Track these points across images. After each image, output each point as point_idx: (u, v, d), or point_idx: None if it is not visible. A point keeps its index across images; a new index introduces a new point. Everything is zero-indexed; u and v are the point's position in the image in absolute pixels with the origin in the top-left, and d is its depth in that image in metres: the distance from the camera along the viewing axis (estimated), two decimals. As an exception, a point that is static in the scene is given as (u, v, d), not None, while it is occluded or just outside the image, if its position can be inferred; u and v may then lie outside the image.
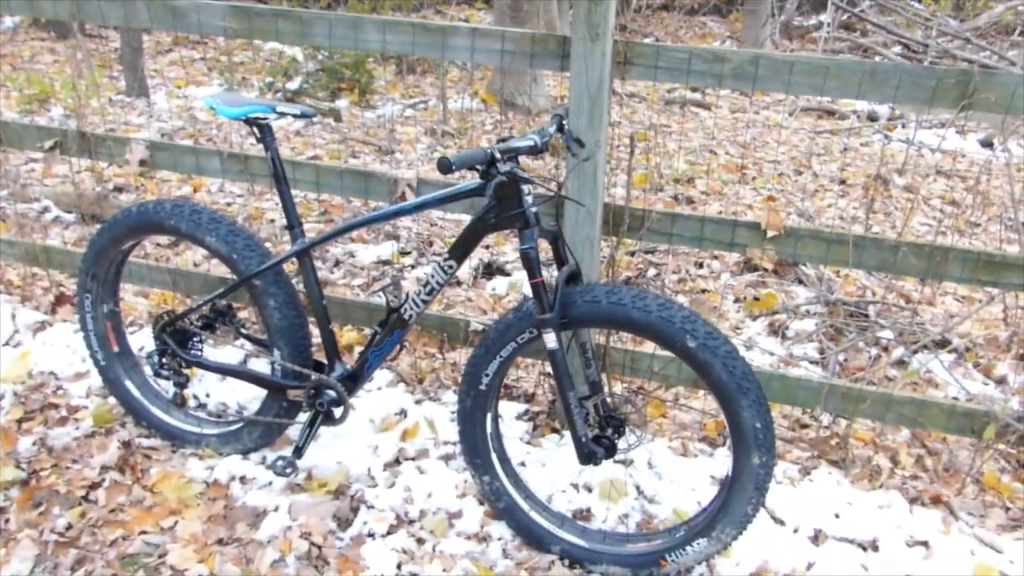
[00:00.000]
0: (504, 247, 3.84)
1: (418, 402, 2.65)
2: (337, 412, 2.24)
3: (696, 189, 4.89)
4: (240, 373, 2.36)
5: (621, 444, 2.06)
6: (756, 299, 3.44)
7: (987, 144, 6.25)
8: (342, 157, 4.75)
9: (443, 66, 5.84)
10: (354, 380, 2.24)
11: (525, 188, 1.88)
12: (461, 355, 2.95)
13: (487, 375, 2.06)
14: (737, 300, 3.54)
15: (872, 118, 6.76)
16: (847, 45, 8.02)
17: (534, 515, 2.17)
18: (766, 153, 5.67)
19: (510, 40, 2.21)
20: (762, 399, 1.88)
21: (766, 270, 3.75)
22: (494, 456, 2.17)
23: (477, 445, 2.15)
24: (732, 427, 1.89)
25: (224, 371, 2.39)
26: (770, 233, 2.23)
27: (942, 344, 3.26)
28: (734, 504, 1.94)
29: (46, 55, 6.66)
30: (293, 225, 2.17)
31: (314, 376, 2.22)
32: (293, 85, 5.99)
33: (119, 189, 4.23)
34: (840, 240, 2.19)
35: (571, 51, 2.13)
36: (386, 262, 3.62)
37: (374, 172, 2.49)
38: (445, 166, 1.66)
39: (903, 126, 6.44)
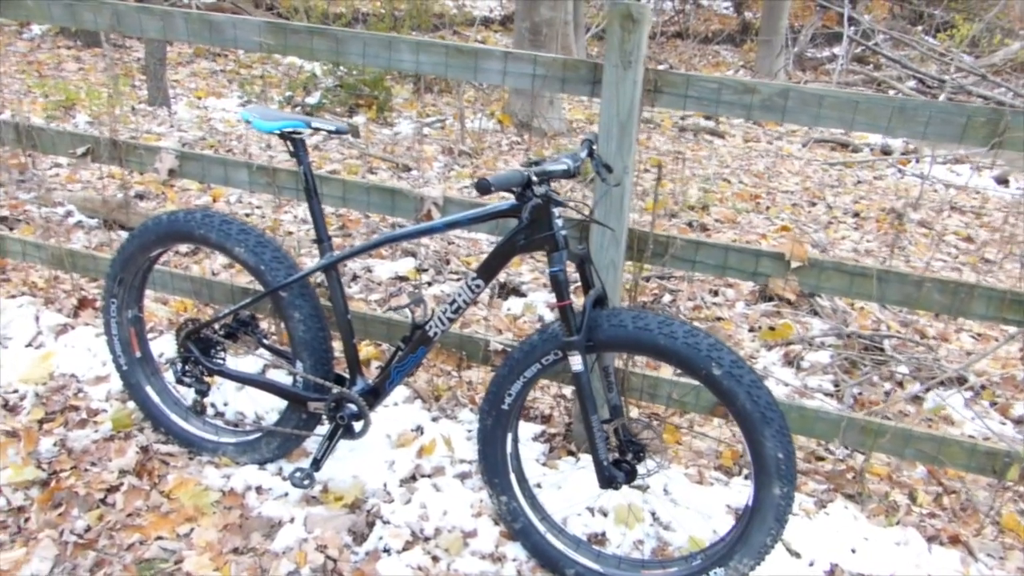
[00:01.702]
0: (520, 268, 3.86)
1: (435, 419, 2.66)
2: (357, 426, 2.25)
3: (710, 217, 4.92)
4: (262, 383, 2.37)
5: (640, 469, 2.07)
6: (771, 329, 3.45)
7: (1002, 181, 6.27)
8: (360, 172, 4.79)
9: (461, 86, 5.90)
10: (375, 395, 2.26)
11: (555, 211, 1.90)
12: (477, 374, 2.97)
13: (510, 395, 2.07)
14: (752, 329, 3.55)
15: (886, 152, 6.80)
16: (860, 78, 8.09)
17: (550, 537, 2.17)
18: (780, 183, 5.70)
19: (542, 65, 2.25)
20: (785, 429, 1.88)
21: (782, 300, 3.77)
22: (512, 476, 2.17)
23: (496, 465, 2.15)
24: (754, 456, 1.90)
25: (246, 381, 2.40)
26: (794, 264, 2.24)
27: (959, 381, 3.26)
28: (753, 534, 1.94)
29: (71, 63, 6.75)
30: (322, 239, 2.19)
31: (336, 389, 2.23)
32: (312, 100, 6.05)
33: (140, 196, 4.27)
34: (864, 273, 2.20)
35: (603, 78, 2.16)
36: (403, 278, 3.64)
37: (400, 189, 2.52)
38: (484, 187, 1.68)
39: (917, 161, 6.47)
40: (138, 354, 2.54)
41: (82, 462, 2.41)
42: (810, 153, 6.59)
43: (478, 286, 2.05)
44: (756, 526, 1.94)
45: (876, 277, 2.19)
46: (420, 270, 3.70)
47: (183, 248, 3.75)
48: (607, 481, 1.99)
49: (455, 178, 4.90)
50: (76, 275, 3.18)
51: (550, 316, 3.53)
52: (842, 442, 2.35)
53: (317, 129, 2.13)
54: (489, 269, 2.03)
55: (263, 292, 2.22)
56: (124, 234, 3.87)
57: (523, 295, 3.70)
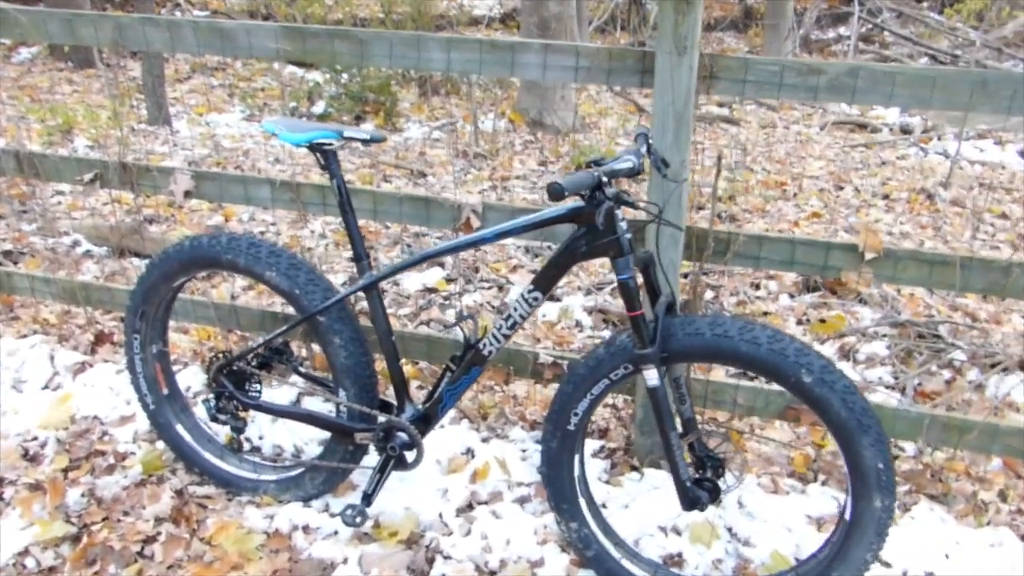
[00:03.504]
0: (551, 272, 3.69)
1: (485, 440, 2.50)
2: (410, 456, 2.09)
3: (737, 206, 4.76)
4: (304, 416, 2.21)
5: (721, 485, 1.91)
6: (822, 321, 3.29)
7: (1027, 154, 6.11)
8: (374, 181, 4.63)
9: (471, 87, 5.73)
10: (426, 421, 2.09)
11: (619, 212, 1.74)
12: (522, 388, 2.81)
13: (576, 414, 1.91)
14: (800, 322, 3.39)
15: (905, 131, 6.64)
16: (871, 57, 7.92)
17: (626, 563, 2.01)
18: (803, 168, 5.54)
19: (585, 56, 2.09)
20: (883, 437, 1.73)
21: (827, 290, 3.60)
22: (582, 501, 2.01)
23: (564, 489, 1.99)
24: (851, 468, 1.74)
25: (287, 414, 2.24)
26: (868, 255, 2.08)
27: (1021, 366, 3.10)
28: (853, 550, 1.79)
29: (64, 85, 6.58)
30: (360, 256, 2.03)
31: (384, 418, 2.07)
32: (317, 109, 5.89)
33: (149, 220, 4.11)
34: (944, 262, 2.04)
35: (655, 66, 2.00)
36: (432, 290, 3.48)
37: (435, 198, 2.36)
38: (557, 192, 1.52)
39: (939, 138, 6.30)
40: (165, 391, 2.38)
41: (114, 512, 2.24)
42: (829, 136, 6.43)
43: (536, 299, 1.89)
44: (855, 541, 1.78)
45: (959, 265, 2.03)
46: (449, 280, 3.54)
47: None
48: (691, 503, 1.84)
49: (472, 181, 4.73)
50: (89, 309, 3.02)
51: (587, 321, 3.37)
52: (926, 442, 2.19)
53: (350, 139, 1.96)
54: (547, 280, 1.87)
55: (300, 318, 2.06)
56: (137, 262, 3.71)
57: (558, 299, 3.54)
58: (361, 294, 2.05)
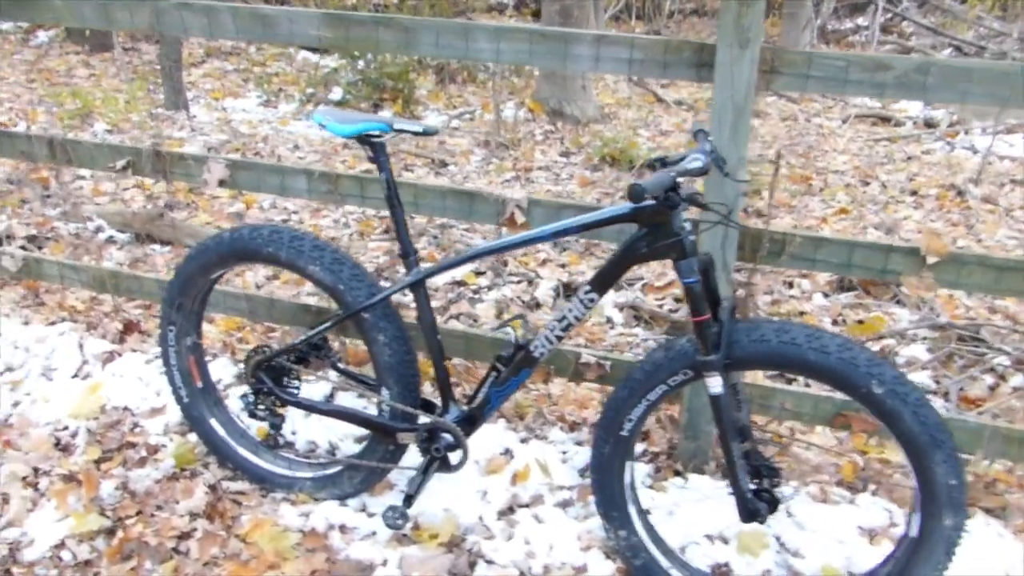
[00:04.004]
0: (580, 266, 3.64)
1: (523, 441, 2.45)
2: (454, 458, 2.04)
3: (762, 200, 4.68)
4: (345, 414, 2.16)
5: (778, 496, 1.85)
6: (860, 322, 3.23)
7: (1054, 151, 6.01)
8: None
9: (495, 75, 5.64)
10: (471, 422, 2.04)
11: (682, 213, 1.68)
12: (556, 386, 2.75)
13: (630, 420, 1.85)
14: (835, 322, 3.32)
15: (929, 124, 6.54)
16: (892, 48, 7.81)
17: (675, 573, 1.95)
18: (828, 163, 5.45)
19: (640, 48, 2.01)
20: (955, 452, 1.67)
21: (862, 289, 3.54)
22: (632, 508, 1.96)
23: (614, 497, 1.94)
24: (922, 484, 1.69)
25: (328, 412, 2.18)
26: (930, 259, 2.02)
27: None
28: (919, 569, 1.74)
29: (81, 69, 6.50)
30: (408, 252, 1.97)
31: (429, 418, 2.02)
32: (335, 96, 5.80)
33: (169, 206, 4.04)
34: (1015, 267, 1.97)
35: (716, 59, 1.93)
36: (460, 283, 3.42)
37: (479, 192, 2.29)
38: (639, 193, 1.47)
39: (965, 132, 6.21)
40: (200, 384, 2.33)
41: (147, 506, 2.20)
42: (852, 130, 6.34)
43: (592, 300, 1.83)
44: (922, 560, 1.73)
45: (1029, 271, 1.96)
46: (477, 273, 3.48)
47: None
48: (750, 515, 1.78)
49: (495, 172, 4.66)
50: (116, 297, 2.96)
51: (619, 318, 3.31)
52: (986, 454, 2.13)
53: (401, 131, 1.90)
54: (605, 281, 1.81)
55: (344, 314, 2.00)
56: (158, 248, 3.66)
57: (587, 295, 3.47)
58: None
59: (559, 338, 1.88)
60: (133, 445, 2.42)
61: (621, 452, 1.89)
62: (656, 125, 5.61)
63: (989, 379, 3.05)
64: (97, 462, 2.35)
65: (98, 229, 3.76)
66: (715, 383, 1.70)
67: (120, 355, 2.79)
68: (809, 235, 2.09)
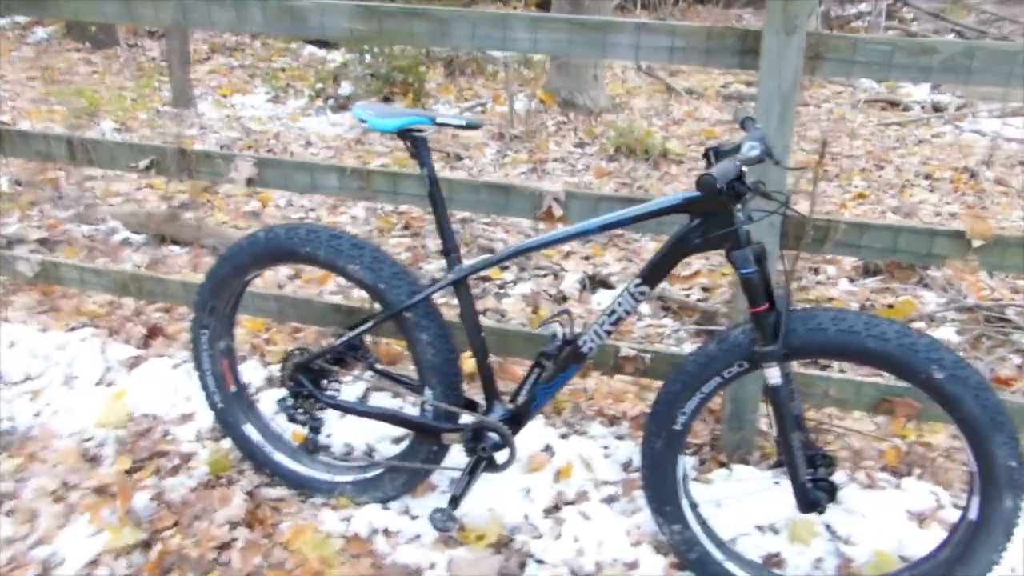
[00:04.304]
0: (604, 257, 3.61)
1: (563, 436, 2.41)
2: (500, 457, 2.00)
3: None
4: (388, 416, 2.12)
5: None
6: (890, 307, 3.20)
7: (1063, 131, 5.99)
8: (409, 164, 4.50)
9: (509, 67, 5.59)
10: (516, 421, 2.00)
11: (739, 203, 1.65)
12: (590, 380, 2.72)
13: (684, 413, 1.82)
14: (863, 307, 3.30)
15: (937, 108, 6.51)
16: (897, 33, 7.78)
17: (728, 565, 1.93)
18: (840, 148, 5.42)
19: (681, 36, 1.98)
20: (1015, 434, 1.65)
21: (887, 273, 3.52)
22: (685, 503, 1.93)
23: (667, 491, 1.91)
24: (983, 467, 1.66)
25: (369, 414, 2.15)
26: (975, 243, 1.99)
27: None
28: (980, 552, 1.72)
29: (82, 66, 6.43)
30: (450, 250, 1.93)
31: (474, 418, 1.99)
32: (345, 91, 5.75)
33: (183, 206, 4.00)
34: (1061, 248, 1.95)
35: (762, 46, 1.90)
36: (486, 279, 3.38)
37: (515, 186, 2.26)
38: (711, 184, 1.43)
39: (973, 115, 6.19)
40: (233, 389, 2.29)
41: (184, 516, 2.16)
42: (862, 114, 6.31)
43: (642, 293, 1.79)
44: (983, 542, 1.71)
45: (1079, 252, 1.94)
46: (502, 268, 3.44)
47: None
48: (810, 505, 1.76)
49: (510, 164, 4.62)
50: (138, 301, 2.92)
51: (646, 308, 3.28)
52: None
53: (443, 125, 1.86)
54: (656, 273, 1.77)
55: (386, 313, 1.96)
56: (176, 249, 3.62)
57: (612, 287, 3.45)
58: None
59: (608, 333, 1.85)
60: (165, 454, 2.38)
61: (675, 446, 1.86)
62: (668, 114, 5.57)
63: (1016, 359, 3.03)
64: (128, 472, 2.30)
65: (112, 231, 3.71)
66: (774, 374, 1.67)
67: (145, 360, 2.75)
68: (854, 221, 2.06)
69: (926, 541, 2.01)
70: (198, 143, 4.75)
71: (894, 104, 6.68)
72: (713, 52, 1.98)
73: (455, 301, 1.96)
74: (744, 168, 1.54)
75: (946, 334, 3.12)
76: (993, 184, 4.86)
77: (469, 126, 1.86)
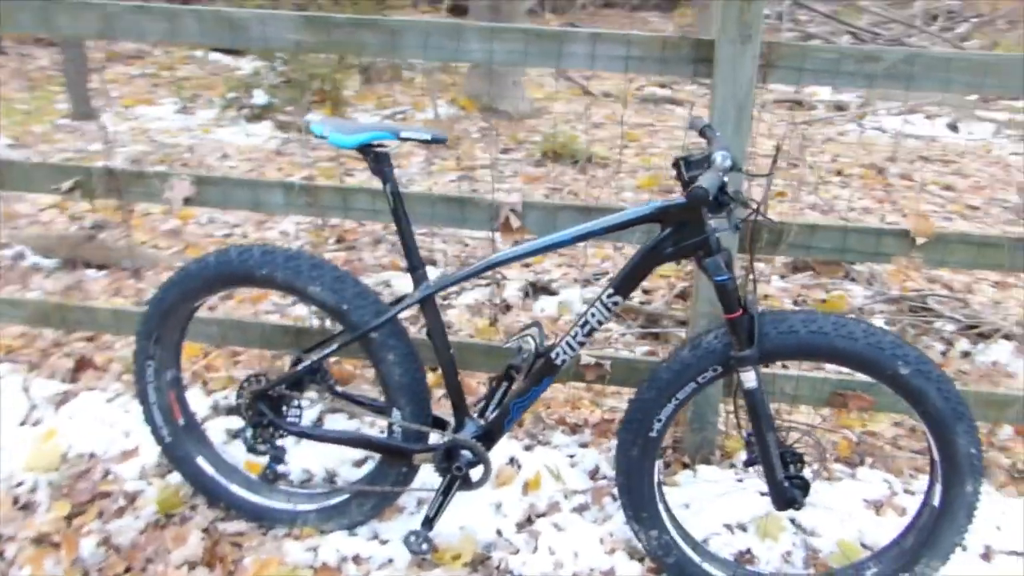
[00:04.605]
0: (545, 264, 3.61)
1: (528, 448, 2.40)
2: (475, 474, 1.97)
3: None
4: (357, 440, 2.05)
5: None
6: (823, 302, 3.33)
7: (953, 127, 6.42)
8: (336, 175, 4.39)
9: (432, 72, 5.53)
10: (489, 437, 1.97)
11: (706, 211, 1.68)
12: (548, 391, 2.71)
13: (659, 420, 1.83)
14: (795, 302, 3.42)
15: (840, 107, 6.85)
16: (795, 36, 8.15)
17: (706, 566, 1.95)
18: (756, 148, 5.61)
19: (636, 45, 2.00)
20: (974, 423, 1.74)
21: (813, 270, 3.66)
22: (661, 507, 1.94)
23: (644, 498, 1.92)
24: (945, 456, 1.75)
25: (337, 440, 2.07)
26: (919, 240, 2.09)
27: (1005, 333, 3.23)
28: (943, 536, 1.81)
29: (-36, 78, 5.96)
30: (416, 266, 1.88)
31: (447, 436, 1.94)
32: (260, 100, 5.54)
33: (98, 227, 3.76)
34: (993, 243, 2.07)
35: (717, 55, 1.93)
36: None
37: (471, 198, 2.23)
38: (703, 196, 1.44)
39: (873, 114, 6.54)
40: (182, 421, 2.16)
41: (135, 560, 2.02)
42: (772, 114, 6.56)
43: (615, 303, 1.80)
44: (946, 527, 1.80)
45: (1008, 247, 2.06)
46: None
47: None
48: (787, 502, 1.81)
49: (438, 172, 4.56)
50: (59, 331, 2.72)
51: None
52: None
53: (407, 139, 1.81)
54: (628, 283, 1.78)
55: (353, 335, 1.89)
56: (92, 273, 3.41)
57: (554, 293, 3.45)
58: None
59: (581, 344, 1.84)
60: (108, 495, 2.22)
61: (651, 453, 1.88)
62: (589, 118, 5.63)
63: (940, 346, 3.21)
64: (68, 518, 2.14)
65: (19, 255, 3.45)
66: (750, 378, 1.70)
67: (75, 396, 2.56)
68: (805, 223, 2.13)
69: (884, 528, 2.10)
70: (105, 159, 4.48)
71: (799, 104, 6.98)
72: (668, 61, 2.01)
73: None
74: (726, 178, 1.56)
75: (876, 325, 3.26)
76: (899, 179, 5.14)
77: (435, 140, 1.81)
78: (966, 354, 3.15)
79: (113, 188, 2.34)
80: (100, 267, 3.43)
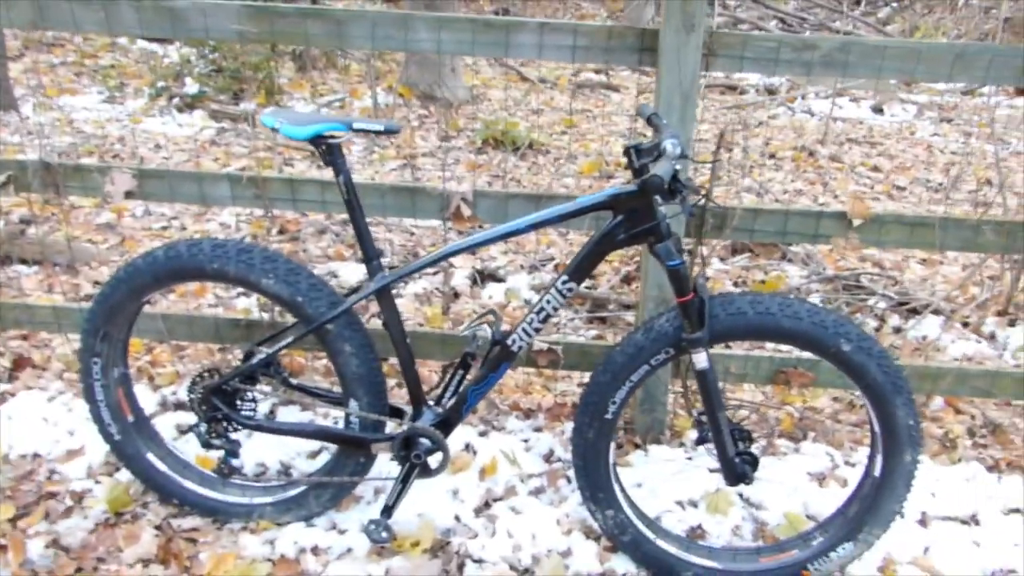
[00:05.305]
0: (490, 251, 3.63)
1: (482, 434, 2.43)
2: (434, 462, 1.99)
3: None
4: (314, 432, 2.05)
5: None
6: (762, 283, 3.45)
7: (877, 110, 6.67)
8: (275, 166, 4.31)
9: (371, 60, 5.45)
10: (447, 424, 1.99)
11: (657, 198, 1.72)
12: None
13: (614, 403, 1.88)
14: (736, 284, 3.53)
15: (770, 91, 7.04)
16: (725, 21, 8.32)
17: (660, 543, 2.02)
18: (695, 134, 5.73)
19: (583, 35, 2.03)
20: (911, 395, 1.84)
21: (750, 251, 3.78)
22: (616, 487, 2.00)
23: (600, 479, 1.97)
24: (885, 427, 1.85)
25: (293, 432, 2.06)
26: (856, 222, 2.19)
27: (931, 308, 3.40)
28: (884, 504, 1.90)
29: None
30: (371, 257, 1.88)
31: (405, 425, 1.96)
32: (191, 89, 5.38)
33: (24, 221, 3.61)
34: (924, 223, 2.18)
35: (661, 44, 1.98)
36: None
37: (422, 187, 2.23)
38: (658, 185, 1.48)
39: (802, 98, 6.75)
40: (131, 418, 2.12)
41: (86, 560, 1.98)
42: (705, 99, 6.70)
43: (570, 290, 1.84)
44: (887, 495, 1.90)
45: (938, 226, 2.18)
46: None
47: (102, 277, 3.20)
48: (738, 478, 1.88)
49: (379, 160, 4.53)
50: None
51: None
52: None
53: (360, 131, 1.80)
54: (582, 270, 1.82)
55: (308, 328, 1.88)
56: (23, 269, 3.28)
57: (501, 280, 3.48)
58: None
59: (537, 331, 1.88)
60: (54, 495, 2.16)
61: (606, 434, 1.92)
62: (527, 104, 5.66)
63: (873, 322, 3.37)
64: (13, 520, 2.08)
65: (-58, 254, 3.29)
66: (702, 359, 1.76)
67: (13, 395, 2.48)
68: (748, 207, 2.20)
69: (828, 499, 2.20)
70: (29, 152, 4.30)
71: (732, 88, 7.15)
72: (614, 50, 2.05)
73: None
74: (678, 166, 1.61)
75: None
76: (829, 161, 5.34)
77: (388, 131, 1.81)
78: (898, 329, 3.31)
79: (49, 182, 2.26)
80: (33, 263, 3.31)
